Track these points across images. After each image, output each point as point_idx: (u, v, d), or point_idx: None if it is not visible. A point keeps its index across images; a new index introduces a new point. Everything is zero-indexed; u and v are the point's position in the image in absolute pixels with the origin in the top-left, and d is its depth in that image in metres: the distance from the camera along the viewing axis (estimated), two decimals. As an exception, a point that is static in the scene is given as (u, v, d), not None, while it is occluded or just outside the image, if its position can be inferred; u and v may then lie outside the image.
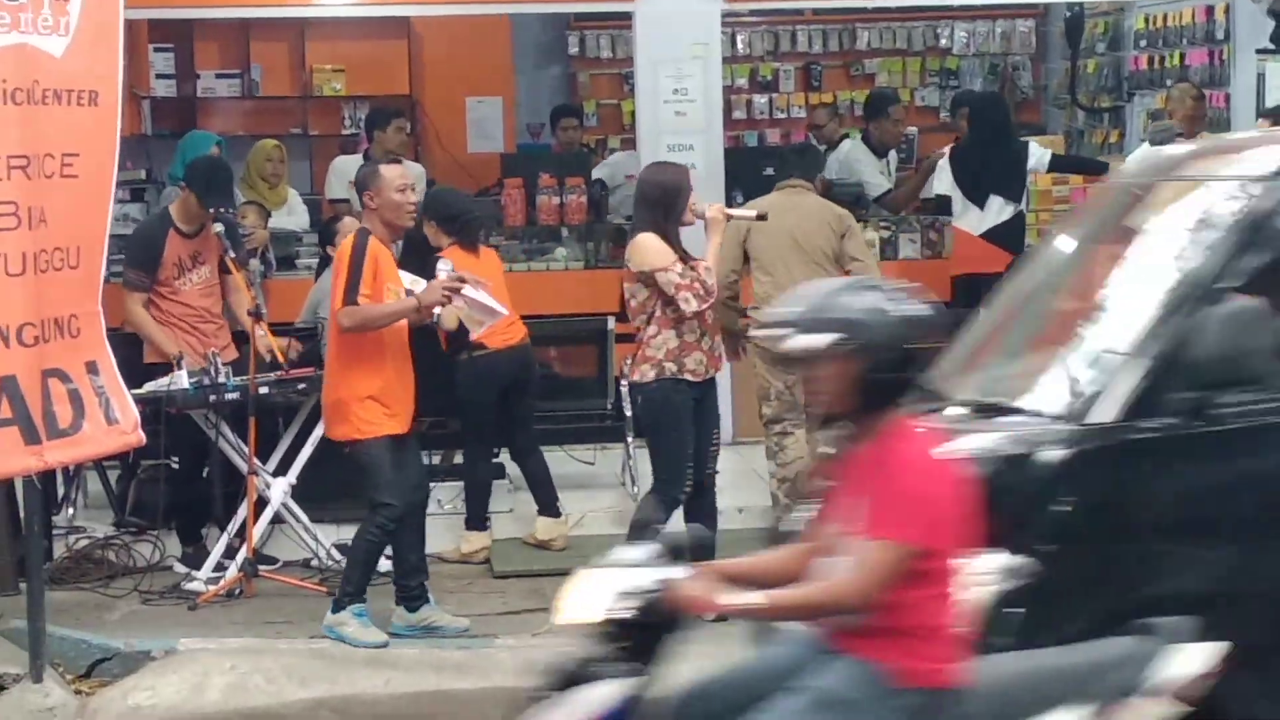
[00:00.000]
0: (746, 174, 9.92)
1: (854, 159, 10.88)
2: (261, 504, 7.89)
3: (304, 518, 8.16)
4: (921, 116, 12.65)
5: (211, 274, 8.14)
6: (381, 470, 6.96)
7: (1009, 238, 9.35)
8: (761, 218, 7.75)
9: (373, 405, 6.98)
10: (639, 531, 5.03)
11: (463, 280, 7.17)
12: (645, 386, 7.25)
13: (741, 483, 8.70)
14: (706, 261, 7.17)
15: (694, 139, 9.75)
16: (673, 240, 7.15)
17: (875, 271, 8.17)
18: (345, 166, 10.20)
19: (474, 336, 7.89)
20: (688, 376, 7.18)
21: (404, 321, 7.06)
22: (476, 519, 8.36)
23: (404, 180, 7.07)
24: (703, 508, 7.34)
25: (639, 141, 9.99)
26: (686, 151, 9.67)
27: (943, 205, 9.87)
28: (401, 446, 7.04)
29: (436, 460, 8.84)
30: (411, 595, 7.21)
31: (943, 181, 9.82)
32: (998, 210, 9.45)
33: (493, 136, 13.07)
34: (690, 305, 7.08)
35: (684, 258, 7.13)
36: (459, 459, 8.82)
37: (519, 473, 8.55)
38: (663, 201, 7.16)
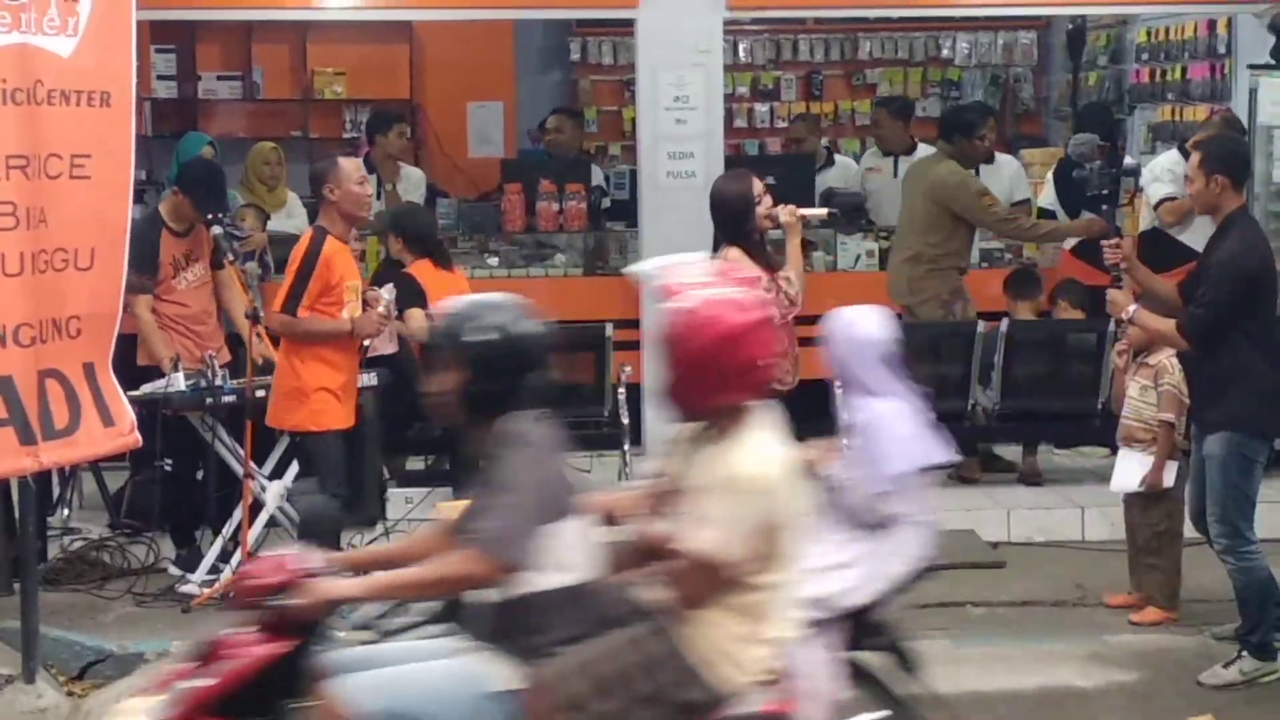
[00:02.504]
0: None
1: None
2: (256, 507, 7.86)
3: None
4: (922, 127, 12.65)
5: (205, 271, 8.15)
6: (330, 462, 7.15)
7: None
8: (833, 215, 7.80)
9: (327, 397, 7.11)
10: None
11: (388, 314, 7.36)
12: None
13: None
14: (788, 270, 7.18)
15: (694, 146, 9.75)
16: (759, 253, 7.14)
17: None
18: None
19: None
20: (776, 386, 7.19)
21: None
22: None
23: (361, 172, 7.21)
24: None
25: (639, 148, 9.98)
26: (687, 159, 9.65)
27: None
28: (345, 440, 7.23)
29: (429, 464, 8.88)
30: None
31: (1046, 195, 9.85)
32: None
33: (493, 141, 13.10)
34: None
35: (769, 267, 7.12)
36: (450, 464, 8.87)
37: None
38: (735, 217, 7.16)
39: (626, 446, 8.97)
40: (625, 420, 8.94)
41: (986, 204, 9.35)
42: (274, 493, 7.93)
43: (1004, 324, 9.11)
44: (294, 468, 7.93)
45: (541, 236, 10.38)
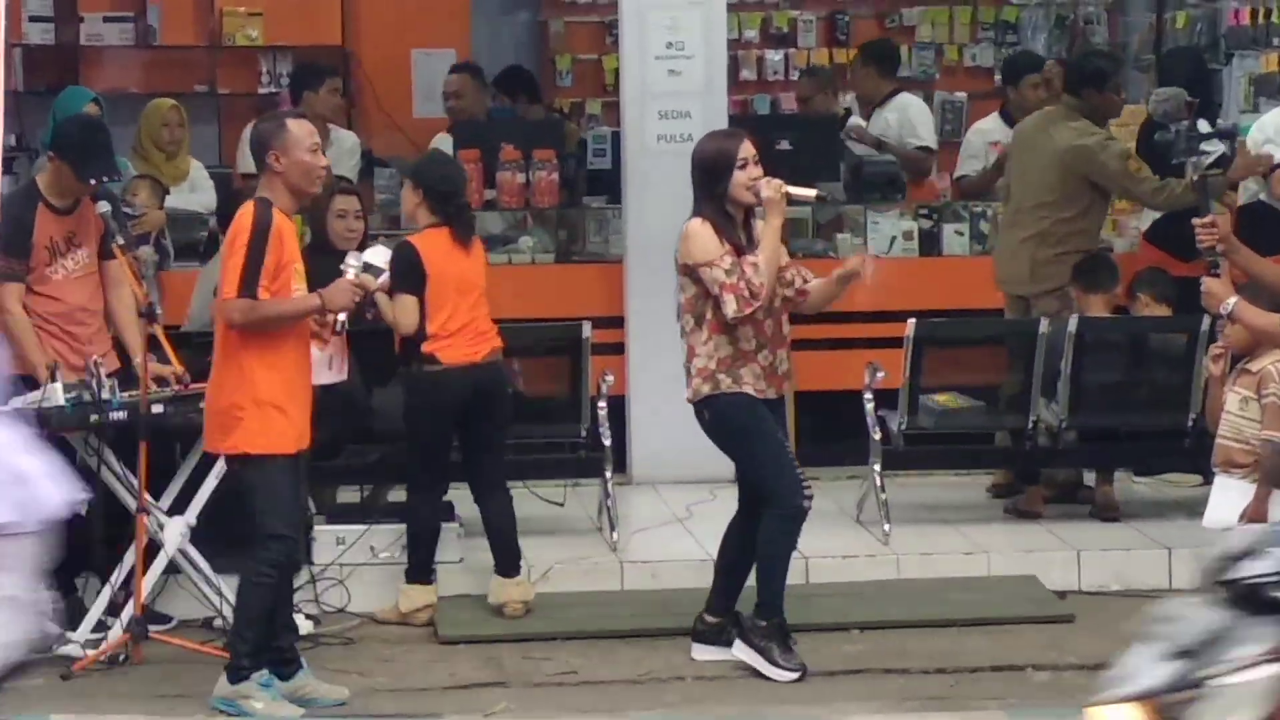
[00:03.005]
0: (757, 149, 9.92)
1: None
2: (153, 549, 7.86)
3: (205, 566, 8.11)
4: (972, 79, 12.66)
5: (90, 260, 8.09)
6: (276, 494, 7.06)
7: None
8: (821, 198, 7.88)
9: (272, 414, 7.06)
10: None
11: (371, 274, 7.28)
12: (707, 402, 7.40)
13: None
14: (758, 256, 7.28)
15: (691, 104, 9.76)
16: (726, 226, 7.27)
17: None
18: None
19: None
20: (748, 390, 7.34)
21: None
22: (419, 571, 8.35)
23: (315, 138, 7.19)
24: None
25: (623, 107, 9.97)
26: (682, 119, 9.76)
27: None
28: (297, 467, 7.16)
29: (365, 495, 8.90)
30: (285, 659, 7.27)
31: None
32: None
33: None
34: (729, 308, 7.24)
35: (735, 246, 7.24)
36: (396, 495, 8.83)
37: (473, 515, 8.54)
38: (708, 178, 7.29)
39: (609, 475, 8.98)
40: (607, 442, 8.93)
41: (1134, 169, 9.37)
42: (174, 531, 7.91)
43: (1073, 322, 9.11)
44: (199, 501, 7.94)
45: (504, 215, 10.37)
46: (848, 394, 9.31)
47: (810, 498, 7.44)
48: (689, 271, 7.34)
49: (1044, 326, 9.13)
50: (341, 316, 7.25)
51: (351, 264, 7.31)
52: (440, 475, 8.40)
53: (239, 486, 7.25)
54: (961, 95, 13.21)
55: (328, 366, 7.92)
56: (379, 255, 7.42)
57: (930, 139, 11.42)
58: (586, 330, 9.06)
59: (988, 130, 11.32)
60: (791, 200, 7.55)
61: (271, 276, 7.03)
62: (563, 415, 9.09)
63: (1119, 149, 9.49)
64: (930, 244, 10.48)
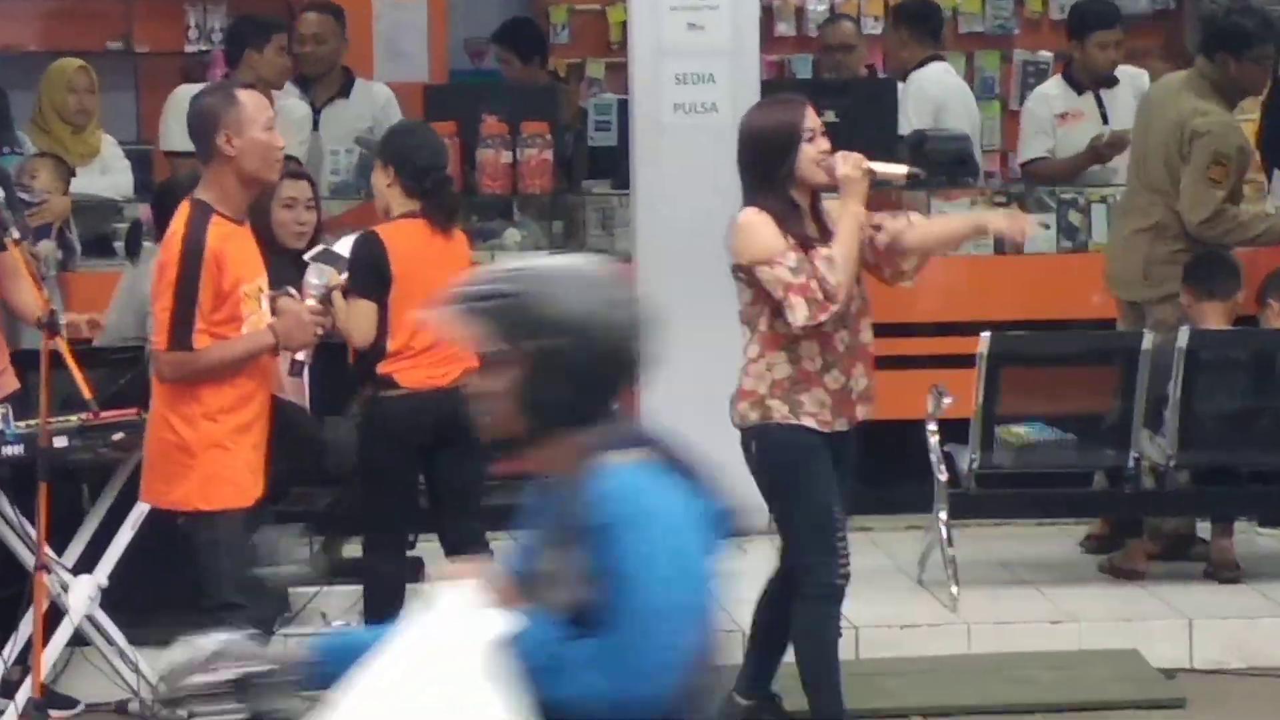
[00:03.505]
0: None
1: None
2: (55, 615, 7.86)
3: (119, 638, 8.13)
4: (1058, 34, 12.61)
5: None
6: (232, 554, 7.02)
7: None
8: (914, 176, 7.89)
9: (227, 459, 7.07)
10: None
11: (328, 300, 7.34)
12: (752, 432, 7.38)
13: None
14: (832, 248, 7.22)
15: (716, 66, 9.78)
16: (792, 216, 7.23)
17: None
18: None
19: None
20: (808, 422, 7.29)
21: None
22: None
23: (269, 112, 7.22)
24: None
25: (631, 69, 9.96)
26: (705, 84, 9.70)
27: None
28: (255, 520, 7.13)
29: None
30: None
31: None
32: None
33: (411, 57, 13.03)
34: (798, 314, 7.15)
35: (803, 241, 7.20)
36: (351, 550, 8.88)
37: None
38: (767, 159, 7.23)
39: None
40: None
41: (1211, 179, 9.32)
42: (82, 594, 7.92)
43: (1184, 335, 9.09)
44: (112, 556, 7.94)
45: (486, 200, 10.38)
46: (906, 424, 9.28)
47: (847, 575, 7.40)
48: (743, 271, 7.28)
49: (1148, 341, 9.11)
50: (301, 355, 7.26)
51: (313, 283, 7.29)
52: (405, 526, 8.42)
53: (186, 545, 7.21)
54: (1046, 54, 13.15)
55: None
56: (341, 246, 7.43)
57: (967, 121, 11.31)
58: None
59: (1052, 97, 11.22)
60: (876, 180, 7.48)
61: (212, 310, 7.00)
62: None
63: (1222, 146, 9.36)
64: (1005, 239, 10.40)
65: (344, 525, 8.94)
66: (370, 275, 8.00)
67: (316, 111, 10.99)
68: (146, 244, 9.25)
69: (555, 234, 10.49)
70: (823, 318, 7.15)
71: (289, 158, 9.60)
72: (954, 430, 9.13)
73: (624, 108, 10.40)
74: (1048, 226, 10.39)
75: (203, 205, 7.01)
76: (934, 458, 9.09)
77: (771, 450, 7.35)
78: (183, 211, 7.10)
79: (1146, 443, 9.22)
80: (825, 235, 7.30)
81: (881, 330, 8.54)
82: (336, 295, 7.81)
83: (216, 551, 7.07)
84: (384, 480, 8.27)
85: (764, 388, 7.30)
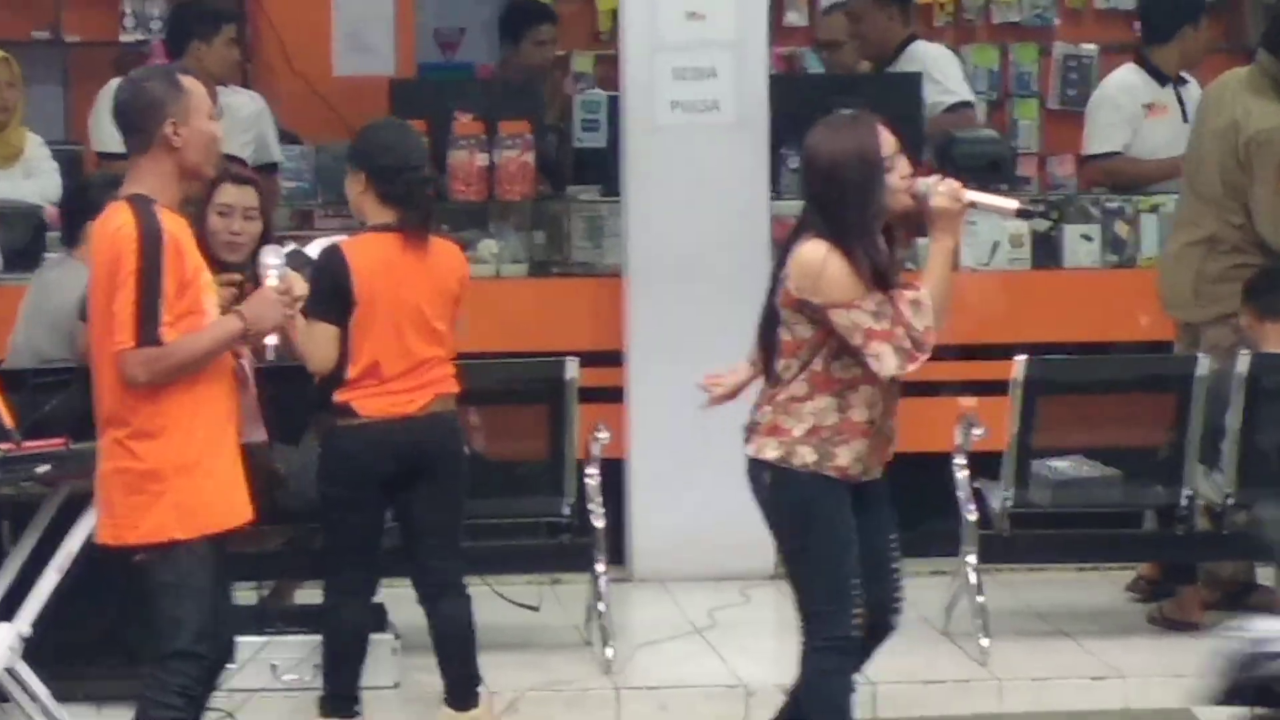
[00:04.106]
0: (807, 119, 9.82)
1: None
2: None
3: (42, 692, 8.10)
4: (1103, 26, 12.62)
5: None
6: (194, 595, 6.96)
7: None
8: (1026, 212, 7.85)
9: (198, 485, 6.97)
10: None
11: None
12: (766, 465, 7.27)
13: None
14: (918, 290, 7.08)
15: (718, 59, 9.80)
16: (871, 254, 7.05)
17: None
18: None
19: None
20: (831, 473, 7.17)
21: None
22: (338, 701, 8.33)
23: (210, 104, 7.16)
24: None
25: (623, 62, 9.90)
26: (705, 80, 9.74)
27: None
28: (220, 553, 7.09)
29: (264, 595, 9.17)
30: None
31: None
32: None
33: (374, 50, 13.01)
34: (887, 365, 7.03)
35: (882, 280, 7.03)
36: (307, 595, 8.96)
37: (414, 622, 8.49)
38: (856, 191, 7.07)
39: (601, 568, 9.07)
40: (599, 523, 9.01)
41: None
42: (1, 644, 7.91)
43: (1243, 361, 9.07)
44: (35, 602, 7.88)
45: (458, 207, 10.36)
46: (931, 458, 9.30)
47: (858, 632, 7.30)
48: (810, 309, 7.10)
49: (1204, 367, 9.12)
50: (271, 340, 7.15)
51: (271, 264, 7.18)
52: (368, 568, 8.34)
53: (137, 586, 7.06)
54: (1091, 47, 13.30)
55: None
56: (313, 249, 7.39)
57: (962, 89, 11.57)
58: (571, 369, 9.08)
59: (1136, 88, 11.16)
60: (974, 211, 7.40)
61: (176, 299, 6.87)
62: (539, 486, 9.14)
63: None
64: (1047, 252, 10.51)
65: (298, 568, 8.98)
66: (332, 295, 8.00)
67: None
68: (50, 255, 9.49)
69: (536, 246, 10.53)
70: (912, 367, 7.06)
71: (236, 159, 9.57)
72: (985, 465, 9.15)
73: (614, 105, 10.53)
74: (1090, 239, 10.37)
75: (141, 199, 6.87)
76: (962, 495, 9.15)
77: (789, 489, 7.26)
78: (119, 208, 6.91)
79: (1201, 479, 9.28)
80: (896, 269, 7.17)
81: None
82: (298, 314, 7.68)
83: (178, 594, 6.92)
84: (344, 518, 8.21)
85: (800, 431, 7.15)
